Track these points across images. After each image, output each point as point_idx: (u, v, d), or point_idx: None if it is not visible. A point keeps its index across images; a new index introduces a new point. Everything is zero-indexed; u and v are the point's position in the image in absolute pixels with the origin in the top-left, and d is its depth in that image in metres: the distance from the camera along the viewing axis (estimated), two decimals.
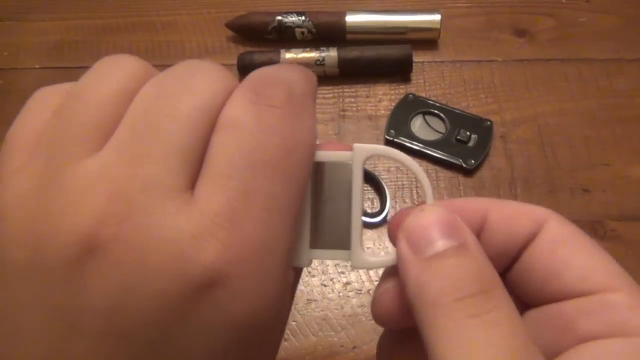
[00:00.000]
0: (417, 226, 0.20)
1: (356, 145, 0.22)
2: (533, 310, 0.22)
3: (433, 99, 0.52)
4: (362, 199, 0.21)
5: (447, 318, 0.17)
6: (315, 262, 0.44)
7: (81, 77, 0.21)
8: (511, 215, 0.22)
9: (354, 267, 0.21)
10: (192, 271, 0.16)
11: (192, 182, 0.17)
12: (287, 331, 0.41)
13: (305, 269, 0.43)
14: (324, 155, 0.22)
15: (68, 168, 0.18)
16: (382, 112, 0.52)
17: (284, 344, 0.40)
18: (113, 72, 0.21)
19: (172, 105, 0.18)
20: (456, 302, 0.17)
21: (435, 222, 0.19)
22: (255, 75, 0.20)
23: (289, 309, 0.21)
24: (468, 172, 0.48)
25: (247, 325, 0.17)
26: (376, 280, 0.43)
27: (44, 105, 0.21)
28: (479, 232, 0.22)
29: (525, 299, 0.22)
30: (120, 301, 0.16)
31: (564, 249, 0.20)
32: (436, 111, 0.51)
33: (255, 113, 0.18)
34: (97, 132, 0.19)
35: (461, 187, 0.48)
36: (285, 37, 0.56)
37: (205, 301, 0.16)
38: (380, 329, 0.41)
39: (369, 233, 0.45)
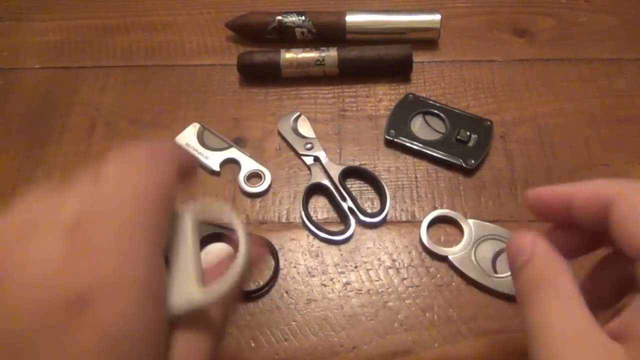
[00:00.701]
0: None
1: (194, 202, 0.27)
2: None
3: (433, 99, 0.52)
4: (194, 243, 0.26)
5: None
6: (314, 262, 0.44)
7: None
8: (589, 195, 0.27)
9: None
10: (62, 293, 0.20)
11: None
12: (287, 331, 0.41)
13: (305, 269, 0.43)
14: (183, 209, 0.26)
15: None
16: (382, 112, 0.52)
17: (284, 344, 0.40)
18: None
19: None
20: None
21: None
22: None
23: (164, 333, 0.23)
24: (468, 172, 0.48)
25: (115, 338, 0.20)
26: (376, 281, 0.43)
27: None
28: (568, 216, 0.28)
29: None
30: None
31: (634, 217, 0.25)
32: (436, 111, 0.51)
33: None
34: None
35: (461, 187, 0.48)
36: (285, 37, 0.57)
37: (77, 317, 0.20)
38: (380, 329, 0.41)
39: (368, 233, 0.45)
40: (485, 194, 0.47)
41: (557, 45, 0.57)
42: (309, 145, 0.50)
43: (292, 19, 0.56)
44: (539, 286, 0.25)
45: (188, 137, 0.50)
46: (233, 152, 0.49)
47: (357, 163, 0.49)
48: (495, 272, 0.42)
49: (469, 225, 0.44)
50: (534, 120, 0.51)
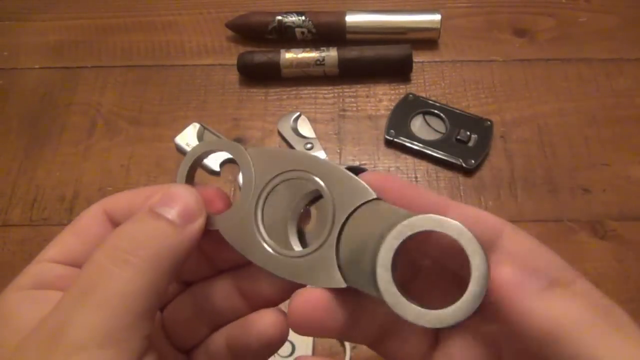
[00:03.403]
0: None
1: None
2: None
3: (433, 99, 0.52)
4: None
5: None
6: None
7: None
8: (471, 219, 0.22)
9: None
10: None
11: None
12: None
13: None
14: None
15: None
16: (382, 112, 0.52)
17: None
18: None
19: None
20: None
21: None
22: None
23: None
24: (468, 172, 0.48)
25: None
26: None
27: None
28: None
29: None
30: None
31: (526, 257, 0.22)
32: (436, 111, 0.51)
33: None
34: None
35: (461, 187, 0.48)
36: (285, 37, 0.56)
37: None
38: None
39: None
40: (485, 194, 0.47)
41: (557, 45, 0.56)
42: (309, 145, 0.50)
43: (292, 19, 0.56)
44: None
45: (188, 137, 0.50)
46: None
47: (357, 163, 0.49)
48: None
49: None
50: (534, 120, 0.51)
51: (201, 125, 0.51)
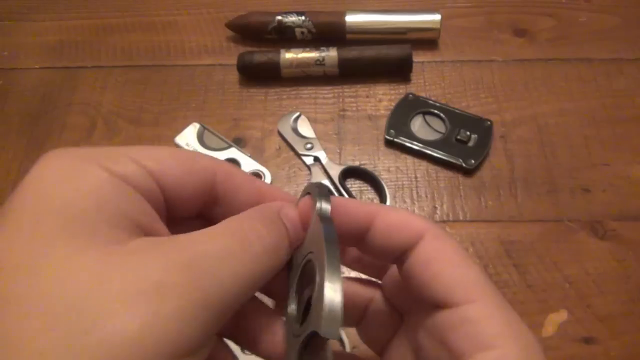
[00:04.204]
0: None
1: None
2: (415, 317, 0.24)
3: (433, 99, 0.52)
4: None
5: None
6: None
7: None
8: (394, 225, 0.23)
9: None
10: None
11: None
12: None
13: None
14: None
15: None
16: (382, 112, 0.52)
17: None
18: None
19: None
20: None
21: None
22: None
23: None
24: (468, 172, 0.48)
25: None
26: None
27: None
28: (363, 236, 0.24)
29: (408, 307, 0.25)
30: None
31: (435, 263, 0.22)
32: (436, 111, 0.51)
33: None
34: None
35: (461, 187, 0.48)
36: (285, 37, 0.56)
37: None
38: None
39: None
40: (485, 194, 0.47)
41: (557, 45, 0.56)
42: (309, 145, 0.50)
43: (292, 18, 0.56)
44: None
45: (188, 137, 0.50)
46: (233, 152, 0.49)
47: (357, 163, 0.49)
48: None
49: None
50: (534, 120, 0.51)
51: (201, 125, 0.51)
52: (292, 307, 0.23)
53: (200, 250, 0.19)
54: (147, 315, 0.17)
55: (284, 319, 0.24)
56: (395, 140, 0.50)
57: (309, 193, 0.25)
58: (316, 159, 0.49)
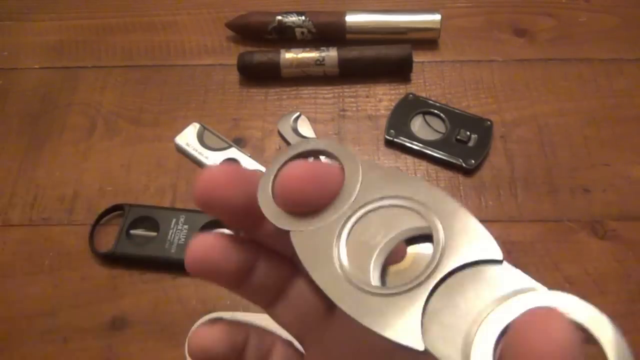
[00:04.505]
0: None
1: None
2: None
3: (433, 99, 0.52)
4: None
5: None
6: None
7: None
8: None
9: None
10: None
11: None
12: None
13: None
14: None
15: None
16: (382, 112, 0.52)
17: None
18: None
19: None
20: None
21: None
22: None
23: None
24: (468, 172, 0.48)
25: None
26: None
27: None
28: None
29: None
30: None
31: None
32: (436, 111, 0.51)
33: None
34: None
35: (461, 187, 0.48)
36: (285, 37, 0.56)
37: None
38: None
39: None
40: (485, 194, 0.47)
41: (557, 45, 0.56)
42: None
43: (292, 19, 0.56)
44: None
45: (188, 137, 0.50)
46: (233, 152, 0.49)
47: None
48: None
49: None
50: (534, 120, 0.51)
51: (201, 125, 0.51)
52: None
53: None
54: None
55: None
56: (395, 140, 0.50)
57: (299, 155, 0.21)
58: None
